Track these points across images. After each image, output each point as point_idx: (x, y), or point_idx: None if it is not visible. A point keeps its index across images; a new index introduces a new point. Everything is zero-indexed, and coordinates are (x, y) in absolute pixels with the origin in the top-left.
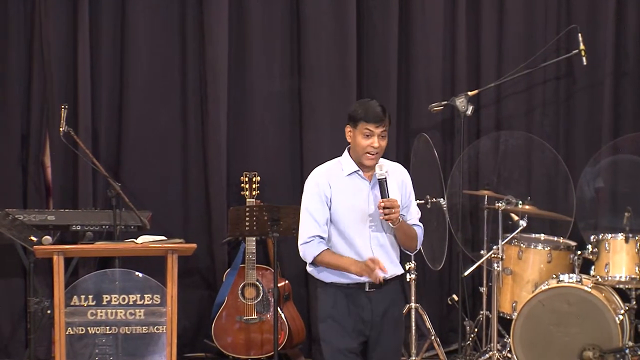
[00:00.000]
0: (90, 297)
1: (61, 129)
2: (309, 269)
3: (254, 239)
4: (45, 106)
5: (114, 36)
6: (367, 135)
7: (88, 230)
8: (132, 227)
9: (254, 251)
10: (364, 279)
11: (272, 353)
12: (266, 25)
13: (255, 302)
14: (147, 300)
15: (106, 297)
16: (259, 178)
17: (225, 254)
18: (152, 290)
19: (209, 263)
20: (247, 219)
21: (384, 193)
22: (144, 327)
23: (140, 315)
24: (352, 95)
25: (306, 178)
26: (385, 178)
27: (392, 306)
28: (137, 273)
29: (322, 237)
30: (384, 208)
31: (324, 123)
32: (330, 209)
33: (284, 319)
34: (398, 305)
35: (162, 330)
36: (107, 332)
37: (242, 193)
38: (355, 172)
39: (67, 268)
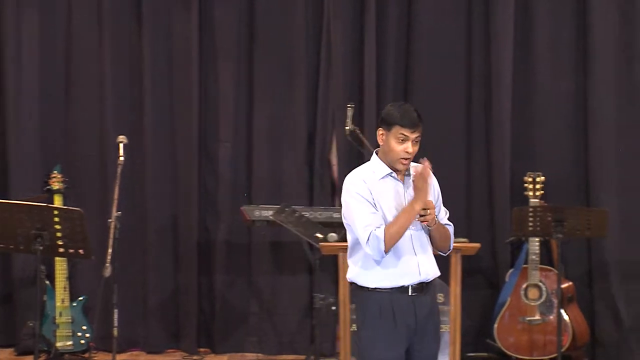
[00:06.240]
0: None
1: (347, 128)
2: (349, 275)
3: (537, 239)
4: (331, 105)
5: (399, 36)
6: (402, 140)
7: None
8: None
9: (538, 252)
10: (405, 282)
11: (555, 355)
12: (551, 23)
13: (539, 303)
14: None
15: None
16: (543, 178)
17: (508, 254)
18: (437, 288)
19: (492, 263)
20: (531, 219)
21: None
22: None
23: None
24: (638, 96)
25: (592, 179)
26: None
27: (434, 309)
28: None
29: (377, 227)
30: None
31: (609, 122)
32: None
33: (568, 321)
34: (438, 308)
35: (446, 329)
36: None
37: (526, 193)
38: (388, 174)
39: None
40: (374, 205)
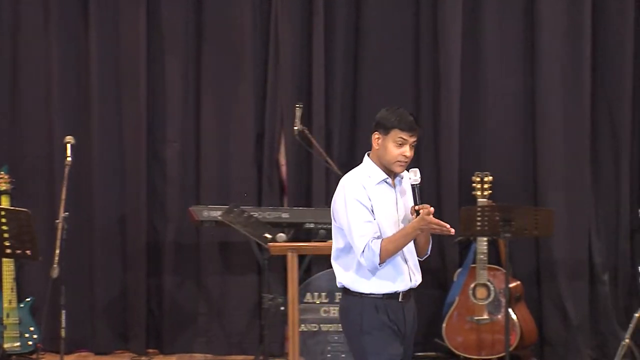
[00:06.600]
0: (324, 294)
1: (295, 128)
2: (343, 281)
3: (485, 239)
4: (280, 105)
5: (347, 35)
6: (400, 144)
7: (321, 228)
8: None
9: (485, 251)
10: (398, 288)
11: (503, 354)
12: (500, 24)
13: (487, 302)
14: None
15: (339, 295)
16: (490, 178)
17: (456, 254)
18: None
19: (440, 262)
20: (479, 219)
21: (416, 199)
22: None
23: None
24: (586, 94)
25: (539, 178)
26: (418, 184)
27: (415, 316)
28: None
29: (375, 237)
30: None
31: (557, 122)
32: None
33: (516, 320)
34: (416, 314)
35: None
36: (340, 329)
37: (474, 193)
38: (384, 180)
39: (301, 265)
40: (371, 212)
